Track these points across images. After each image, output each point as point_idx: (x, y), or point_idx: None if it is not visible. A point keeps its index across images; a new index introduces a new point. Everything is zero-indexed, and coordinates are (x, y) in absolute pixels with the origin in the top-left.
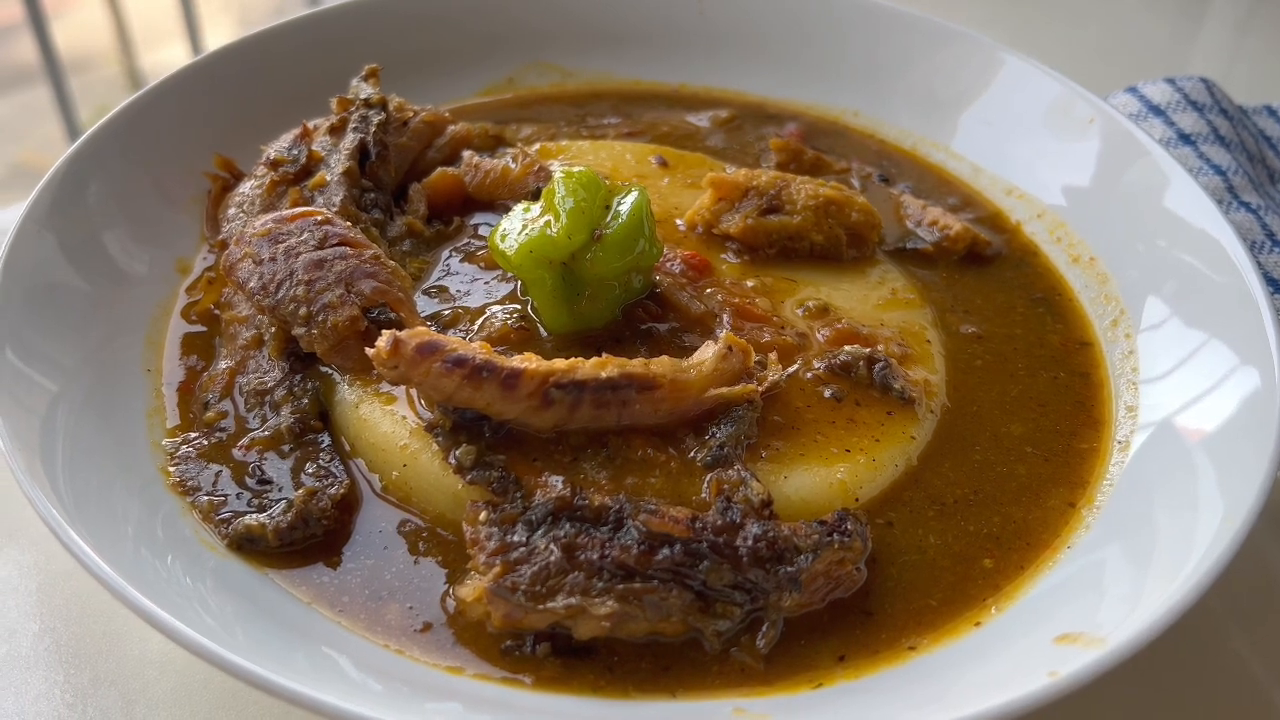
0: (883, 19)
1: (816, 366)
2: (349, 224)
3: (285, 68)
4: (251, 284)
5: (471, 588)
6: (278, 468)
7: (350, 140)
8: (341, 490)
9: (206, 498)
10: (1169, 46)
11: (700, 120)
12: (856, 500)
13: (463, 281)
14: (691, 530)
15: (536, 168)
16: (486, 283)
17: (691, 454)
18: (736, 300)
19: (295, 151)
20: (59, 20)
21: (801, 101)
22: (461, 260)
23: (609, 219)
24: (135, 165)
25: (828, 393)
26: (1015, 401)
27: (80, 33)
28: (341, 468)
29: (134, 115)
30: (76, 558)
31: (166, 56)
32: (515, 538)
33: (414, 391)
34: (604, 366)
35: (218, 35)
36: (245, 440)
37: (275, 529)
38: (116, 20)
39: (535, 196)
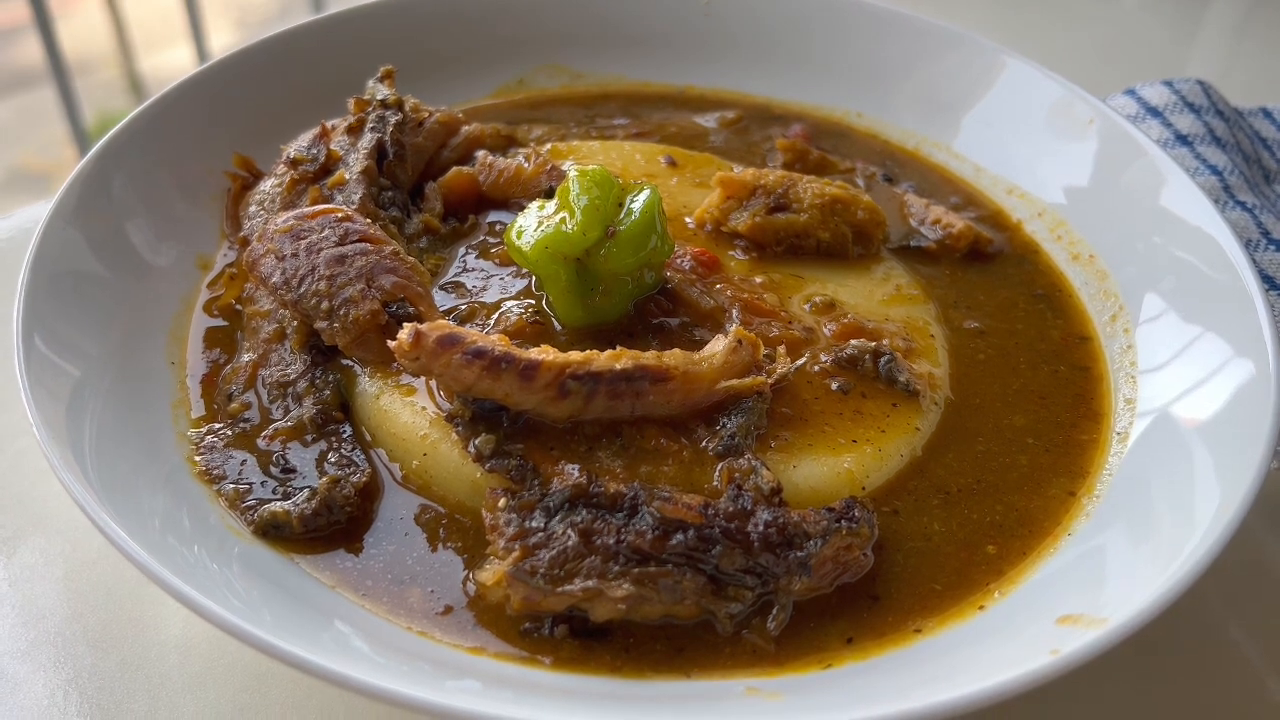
0: (886, 22)
1: (824, 360)
2: (369, 221)
3: (303, 69)
4: (274, 279)
5: (491, 571)
6: (301, 457)
7: (368, 140)
8: (363, 478)
9: (232, 486)
10: (1167, 49)
11: (707, 121)
12: (863, 489)
13: (478, 277)
14: (704, 516)
15: (549, 167)
16: (501, 278)
17: (703, 444)
18: (745, 296)
19: (314, 151)
20: (57, 24)
21: (806, 103)
22: (477, 257)
23: (622, 216)
24: (157, 163)
25: (835, 385)
26: (1017, 394)
27: (79, 36)
28: (363, 457)
29: (156, 115)
30: (111, 540)
31: (166, 60)
32: (533, 523)
33: (434, 383)
34: (618, 359)
35: (218, 38)
36: (269, 430)
37: (300, 516)
38: (116, 24)
39: (548, 195)
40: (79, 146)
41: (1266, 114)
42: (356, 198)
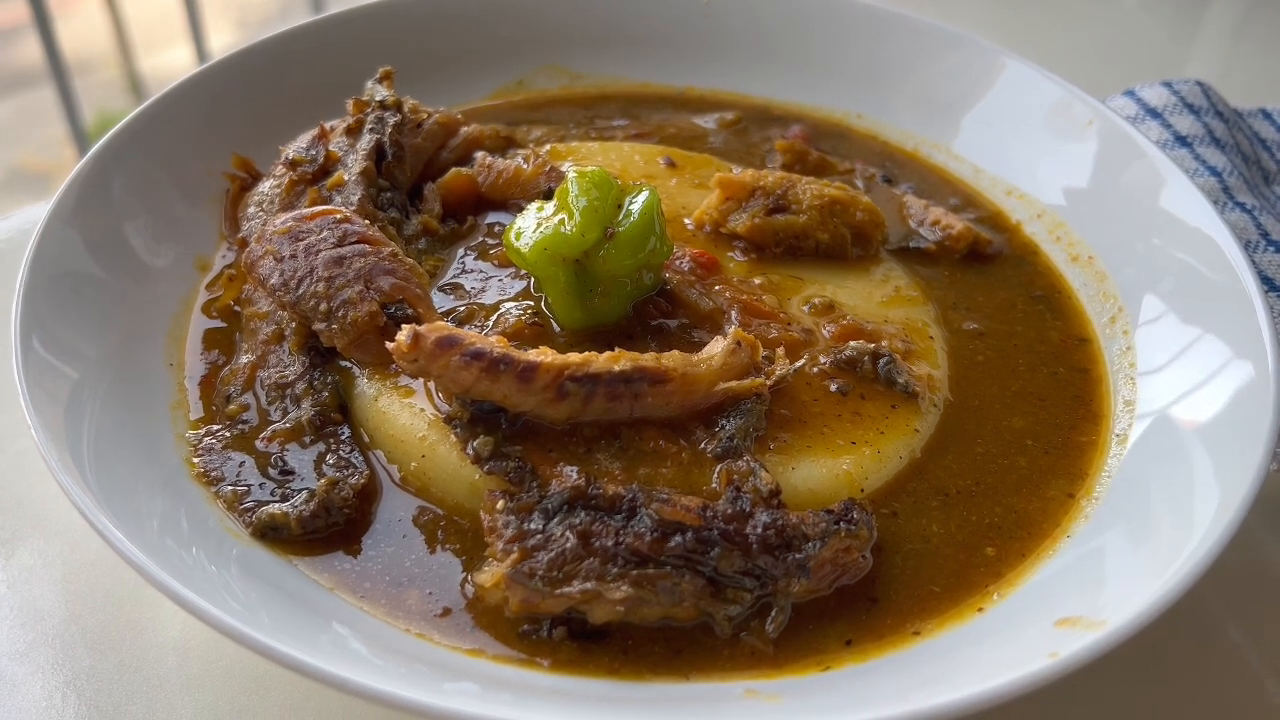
0: (885, 23)
1: (822, 361)
2: (367, 222)
3: (301, 70)
4: (273, 280)
5: (490, 574)
6: (299, 459)
7: (367, 141)
8: (362, 480)
9: (230, 488)
10: (1166, 50)
11: (706, 122)
12: (862, 491)
13: (477, 279)
14: (703, 518)
15: (548, 168)
16: (500, 280)
17: (702, 445)
18: (744, 297)
19: (313, 152)
20: (56, 24)
21: (805, 104)
22: (475, 258)
23: (621, 218)
24: (156, 164)
25: (833, 387)
26: (1016, 396)
27: (79, 36)
28: (361, 459)
29: (154, 115)
30: (109, 543)
31: (165, 60)
32: (532, 525)
33: (432, 384)
34: (617, 360)
35: (217, 38)
36: (267, 432)
37: (298, 517)
38: (115, 24)
39: (547, 196)
40: (78, 146)
41: (1266, 115)
42: (355, 199)
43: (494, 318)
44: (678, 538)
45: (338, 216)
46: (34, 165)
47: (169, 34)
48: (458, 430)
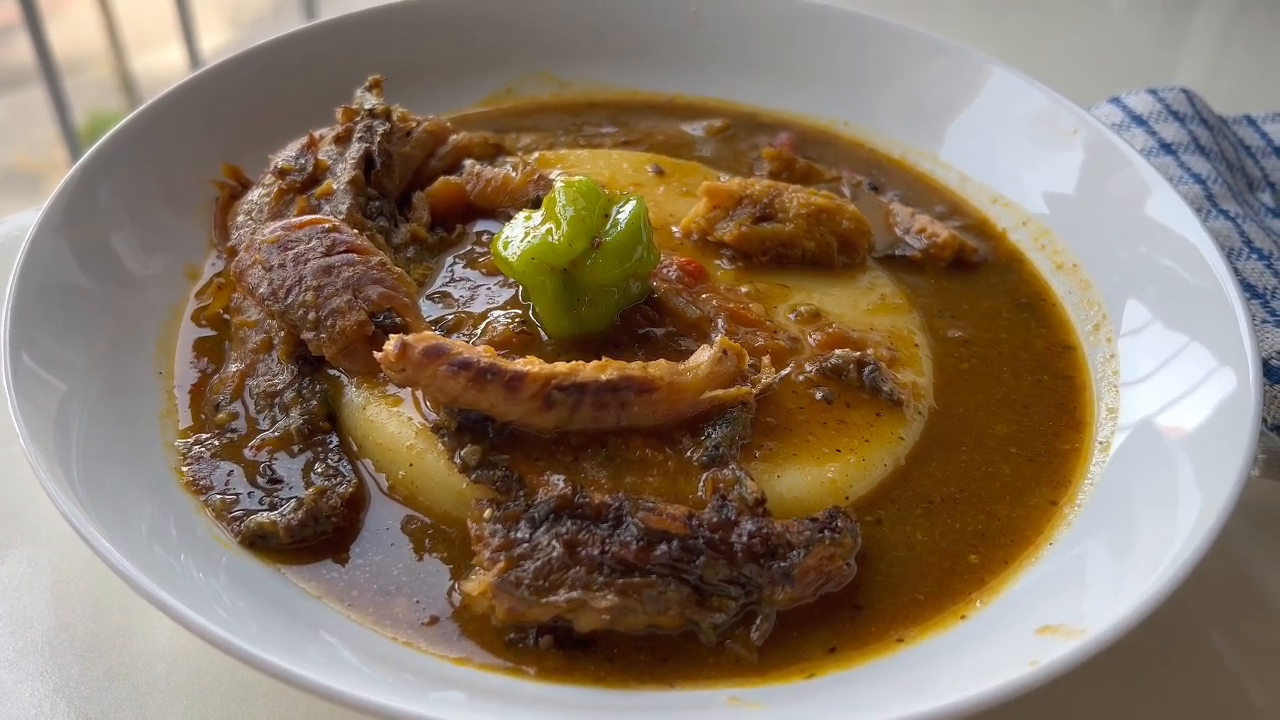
0: (872, 31)
1: (808, 370)
2: (356, 231)
3: (291, 78)
4: (262, 289)
5: (477, 582)
6: (288, 467)
7: (356, 149)
8: (350, 489)
9: (219, 496)
10: (1154, 56)
11: (694, 129)
12: (847, 498)
13: (465, 287)
14: (688, 527)
15: (536, 176)
16: (488, 288)
17: (688, 454)
18: (731, 305)
19: (302, 160)
20: (48, 22)
21: (793, 111)
22: (464, 267)
23: (608, 227)
24: (146, 173)
25: (819, 395)
26: (1000, 403)
27: (71, 35)
28: (349, 467)
29: (144, 124)
30: (98, 553)
31: (158, 59)
32: (519, 534)
33: (420, 394)
34: (604, 369)
35: (210, 38)
36: (256, 441)
37: (286, 526)
38: (108, 23)
39: (535, 205)
40: (69, 146)
41: (1251, 122)
42: (344, 208)
43: (482, 326)
44: (663, 546)
45: (326, 225)
46: (26, 165)
47: (161, 33)
48: (445, 439)
